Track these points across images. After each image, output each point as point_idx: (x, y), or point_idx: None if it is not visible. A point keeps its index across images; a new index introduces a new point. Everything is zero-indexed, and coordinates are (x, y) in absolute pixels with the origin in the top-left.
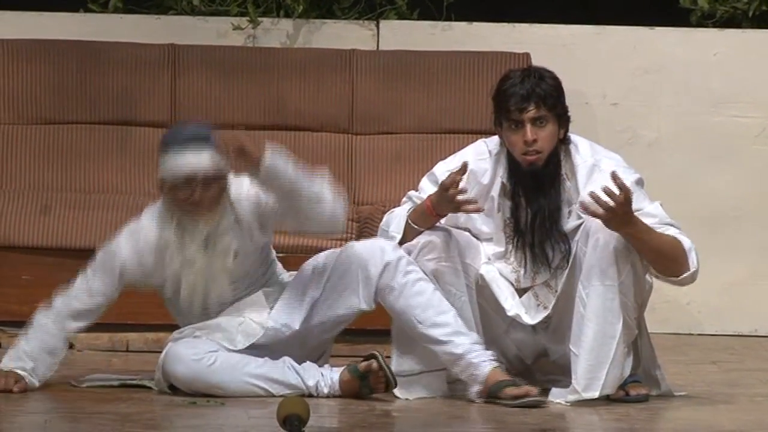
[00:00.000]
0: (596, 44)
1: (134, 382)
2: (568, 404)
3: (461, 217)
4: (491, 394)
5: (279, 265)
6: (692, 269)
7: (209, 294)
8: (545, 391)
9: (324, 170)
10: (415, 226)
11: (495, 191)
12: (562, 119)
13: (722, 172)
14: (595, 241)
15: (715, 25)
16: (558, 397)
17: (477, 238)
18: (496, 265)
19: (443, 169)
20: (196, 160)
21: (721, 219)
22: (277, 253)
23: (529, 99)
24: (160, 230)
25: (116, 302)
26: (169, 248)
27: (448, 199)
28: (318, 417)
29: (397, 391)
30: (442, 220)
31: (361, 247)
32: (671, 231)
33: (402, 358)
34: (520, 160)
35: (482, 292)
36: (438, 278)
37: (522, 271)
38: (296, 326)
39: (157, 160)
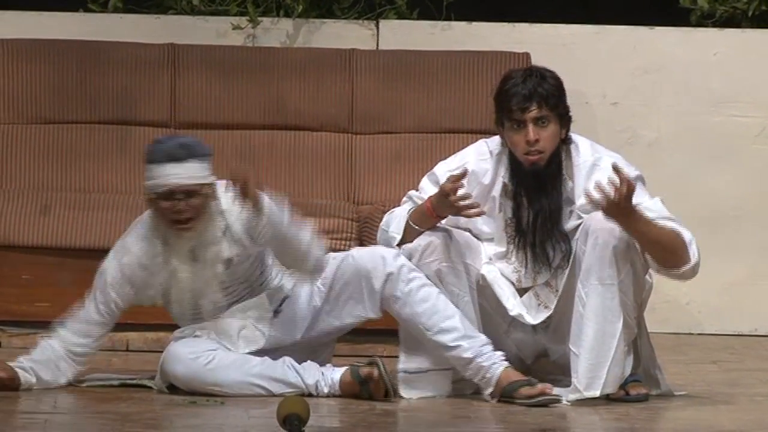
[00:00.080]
0: (596, 44)
1: (134, 381)
2: (569, 403)
3: (462, 218)
4: (505, 395)
5: (276, 269)
6: (693, 261)
7: (200, 303)
8: None
9: (310, 223)
10: (416, 227)
11: (496, 191)
12: (564, 119)
13: (722, 172)
14: (594, 240)
15: (714, 25)
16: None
17: (478, 239)
18: (497, 265)
19: (444, 169)
20: (177, 172)
21: (721, 219)
22: None
23: (531, 99)
24: (147, 244)
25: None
26: (156, 261)
27: (448, 204)
28: (318, 417)
29: (401, 390)
30: (443, 221)
31: (362, 257)
32: (671, 225)
33: (410, 357)
34: (522, 160)
35: (483, 293)
36: (440, 279)
37: (523, 271)
38: (298, 336)
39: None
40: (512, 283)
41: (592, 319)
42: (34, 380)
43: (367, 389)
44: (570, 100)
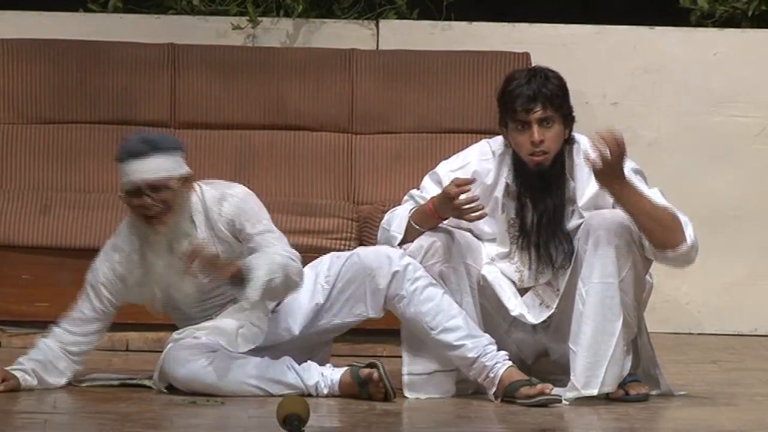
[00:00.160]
0: (596, 44)
1: (134, 381)
2: (568, 402)
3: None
4: (507, 395)
5: None
6: (690, 242)
7: (175, 297)
8: None
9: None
10: (417, 227)
11: (499, 192)
12: (568, 119)
13: (722, 172)
14: (595, 238)
15: (714, 25)
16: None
17: (479, 239)
18: (498, 265)
19: (446, 169)
20: (140, 168)
21: (721, 219)
22: None
23: (535, 99)
24: (129, 241)
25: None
26: (134, 258)
27: (451, 206)
28: (318, 417)
29: (407, 392)
30: (444, 221)
31: (368, 256)
32: (667, 206)
33: (413, 359)
34: (527, 160)
35: (484, 293)
36: (442, 280)
37: (526, 271)
38: (296, 331)
39: None
40: (513, 283)
41: (591, 318)
42: (35, 382)
43: (367, 390)
44: (570, 100)
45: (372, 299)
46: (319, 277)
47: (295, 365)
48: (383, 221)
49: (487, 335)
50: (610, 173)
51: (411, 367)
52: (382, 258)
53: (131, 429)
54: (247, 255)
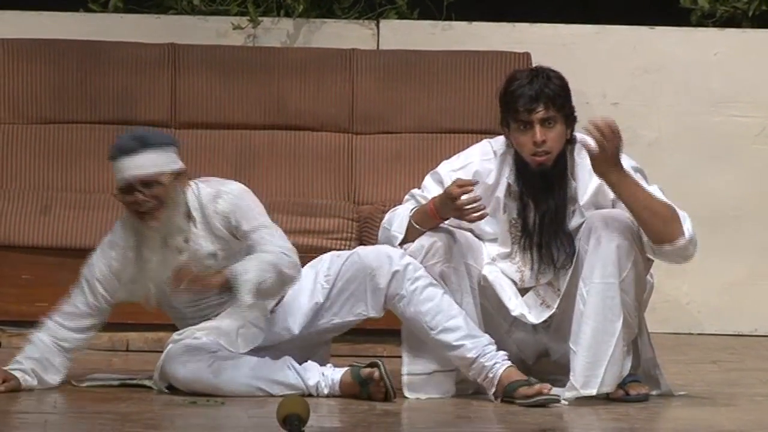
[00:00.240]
0: (596, 44)
1: (134, 381)
2: (567, 402)
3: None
4: (506, 395)
5: None
6: (688, 235)
7: (169, 294)
8: None
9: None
10: (418, 227)
11: (500, 192)
12: (570, 119)
13: (722, 172)
14: (597, 238)
15: (715, 25)
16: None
17: (480, 239)
18: (499, 265)
19: (447, 169)
20: (130, 164)
21: (721, 219)
22: None
23: (538, 100)
24: (125, 238)
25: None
26: (129, 255)
27: (452, 207)
28: (318, 417)
29: (407, 392)
30: (445, 222)
31: (368, 255)
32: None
33: (413, 360)
34: (529, 161)
35: (484, 293)
36: (443, 280)
37: (527, 272)
38: (296, 331)
39: None
40: (514, 283)
41: (591, 318)
42: (35, 383)
43: (367, 390)
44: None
45: (372, 299)
46: (318, 276)
47: (296, 365)
48: (384, 220)
49: (486, 335)
50: (607, 160)
51: (411, 367)
52: (382, 257)
53: (131, 429)
54: (244, 254)
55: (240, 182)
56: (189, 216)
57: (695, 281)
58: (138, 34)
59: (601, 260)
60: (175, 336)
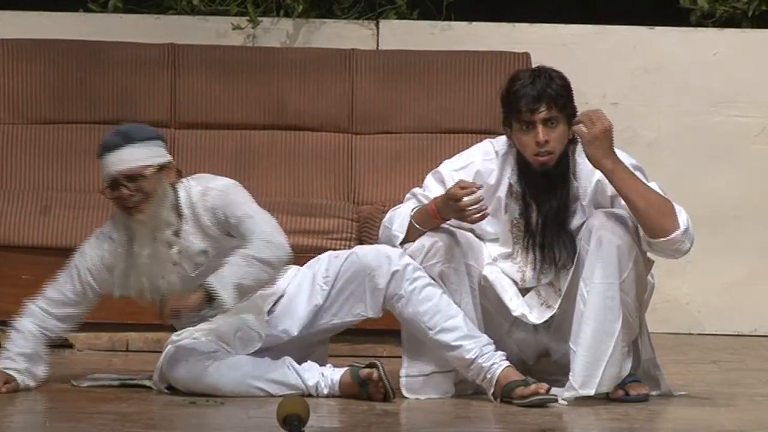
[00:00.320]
0: (596, 44)
1: (134, 381)
2: (566, 402)
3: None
4: (505, 395)
5: None
6: (683, 227)
7: (161, 288)
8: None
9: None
10: (418, 227)
11: (502, 192)
12: (572, 119)
13: (722, 172)
14: (598, 238)
15: (714, 25)
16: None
17: (481, 239)
18: (500, 265)
19: (449, 168)
20: (114, 160)
21: (721, 219)
22: None
23: (540, 100)
24: (116, 234)
25: (117, 302)
26: (119, 251)
27: (454, 208)
28: (318, 417)
29: (406, 392)
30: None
31: (367, 255)
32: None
33: (412, 360)
34: (532, 160)
35: (485, 293)
36: (443, 281)
37: (528, 272)
38: (294, 332)
39: None
40: (515, 283)
41: (592, 318)
42: (33, 383)
43: (367, 390)
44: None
45: (371, 299)
46: (317, 277)
47: (296, 365)
48: (385, 219)
49: (485, 336)
50: (598, 142)
51: (409, 369)
52: (381, 257)
53: (131, 429)
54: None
55: (240, 182)
56: (179, 212)
57: (695, 281)
58: (137, 35)
59: (601, 260)
60: (174, 337)
